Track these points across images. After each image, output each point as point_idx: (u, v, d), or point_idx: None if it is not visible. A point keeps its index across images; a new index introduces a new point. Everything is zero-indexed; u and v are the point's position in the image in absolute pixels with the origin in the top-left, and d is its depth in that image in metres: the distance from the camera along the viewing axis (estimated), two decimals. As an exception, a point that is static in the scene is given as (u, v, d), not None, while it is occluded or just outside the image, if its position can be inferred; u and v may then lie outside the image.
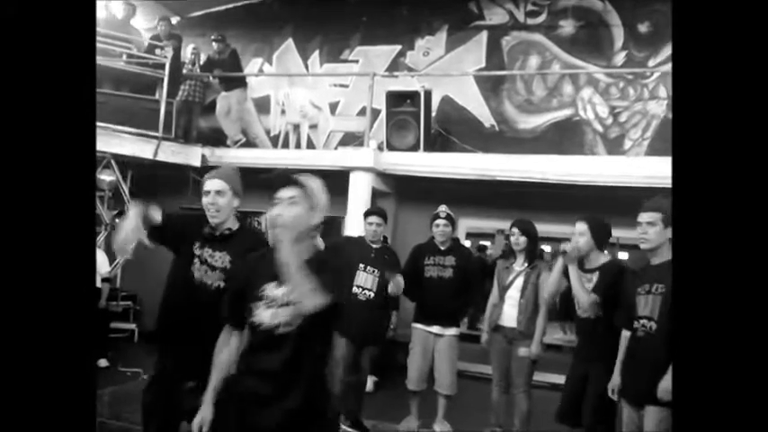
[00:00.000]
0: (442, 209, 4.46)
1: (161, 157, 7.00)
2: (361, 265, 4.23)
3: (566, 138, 7.02)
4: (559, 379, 4.62)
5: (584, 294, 3.34)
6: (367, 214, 4.46)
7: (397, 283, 4.16)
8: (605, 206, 4.01)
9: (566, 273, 3.50)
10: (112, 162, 6.88)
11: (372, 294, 4.22)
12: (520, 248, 4.20)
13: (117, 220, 6.99)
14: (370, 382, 5.83)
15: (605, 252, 3.62)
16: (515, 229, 4.21)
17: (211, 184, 2.73)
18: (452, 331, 4.41)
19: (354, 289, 4.16)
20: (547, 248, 6.79)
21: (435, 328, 4.40)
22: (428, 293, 4.39)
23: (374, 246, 4.35)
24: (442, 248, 4.43)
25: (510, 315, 4.15)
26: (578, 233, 3.46)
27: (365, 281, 4.23)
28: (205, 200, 2.71)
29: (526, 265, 4.19)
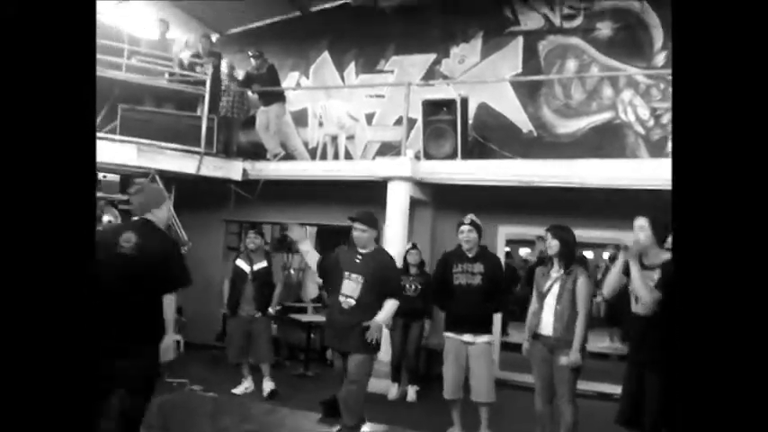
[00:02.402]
0: (468, 216, 4.48)
1: (204, 172, 7.16)
2: (346, 273, 3.97)
3: (606, 141, 6.90)
4: (607, 388, 4.53)
5: (646, 291, 3.25)
6: (351, 219, 4.07)
7: (385, 311, 3.95)
8: (649, 211, 3.92)
9: (625, 270, 3.44)
10: (157, 178, 7.06)
11: (353, 302, 3.90)
12: (554, 253, 4.14)
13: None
14: (412, 392, 5.83)
15: (666, 248, 3.48)
16: (548, 234, 4.16)
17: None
18: (485, 338, 4.39)
19: (340, 298, 3.93)
20: (590, 255, 6.68)
21: (467, 336, 4.39)
22: (457, 301, 4.40)
23: (362, 251, 4.05)
24: (470, 256, 4.43)
25: (548, 322, 4.08)
26: (638, 227, 3.41)
27: (348, 288, 3.93)
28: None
29: (562, 270, 4.12)
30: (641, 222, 3.41)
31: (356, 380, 3.88)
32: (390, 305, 3.97)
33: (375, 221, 4.10)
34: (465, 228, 4.42)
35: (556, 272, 4.15)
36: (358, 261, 3.98)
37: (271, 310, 5.76)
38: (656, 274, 3.30)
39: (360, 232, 4.01)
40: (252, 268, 5.73)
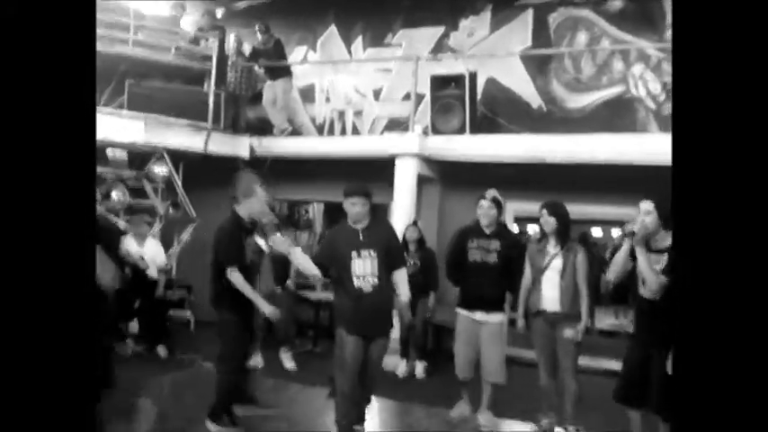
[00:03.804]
0: (490, 191, 4.38)
1: (211, 148, 7.15)
2: (353, 253, 3.66)
3: (617, 116, 6.80)
4: (613, 365, 4.55)
5: (653, 276, 3.24)
6: (347, 194, 3.74)
7: (403, 284, 3.84)
8: (660, 187, 3.88)
9: (631, 254, 3.42)
10: (165, 154, 7.06)
11: (377, 280, 3.66)
12: (550, 229, 4.12)
13: (171, 211, 7.21)
14: (421, 367, 5.88)
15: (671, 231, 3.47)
16: (544, 211, 4.14)
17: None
18: (498, 317, 4.33)
19: (355, 281, 3.64)
20: (598, 231, 6.66)
21: (479, 315, 4.33)
22: (471, 278, 4.33)
23: (359, 226, 3.75)
24: (488, 232, 4.35)
25: (550, 298, 4.09)
26: (644, 212, 3.36)
27: (363, 267, 3.66)
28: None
29: (560, 246, 4.11)
30: (647, 206, 3.36)
31: (381, 362, 3.86)
32: (404, 277, 3.85)
33: (369, 192, 3.78)
34: (485, 203, 4.33)
35: (553, 248, 4.14)
36: (363, 237, 3.70)
37: (290, 282, 5.78)
38: (664, 258, 3.28)
39: (360, 207, 3.70)
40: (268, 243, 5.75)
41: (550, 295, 4.09)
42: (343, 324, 3.74)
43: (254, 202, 3.96)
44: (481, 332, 4.34)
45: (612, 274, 3.59)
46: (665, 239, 3.31)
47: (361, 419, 3.89)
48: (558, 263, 4.10)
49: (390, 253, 3.76)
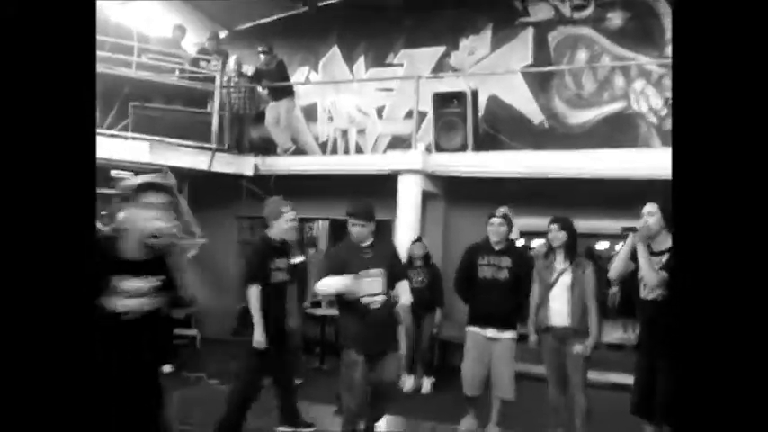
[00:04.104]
0: (501, 209, 4.38)
1: (216, 168, 7.20)
2: (362, 272, 3.63)
3: (618, 131, 6.86)
4: (621, 378, 4.53)
5: (652, 273, 3.26)
6: (349, 215, 3.74)
7: (404, 291, 3.81)
8: (663, 200, 3.90)
9: (633, 256, 3.44)
10: (170, 173, 7.08)
11: (383, 297, 3.68)
12: (559, 244, 4.13)
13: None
14: (428, 383, 5.86)
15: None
16: (554, 226, 4.15)
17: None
18: (509, 335, 4.30)
19: (363, 299, 3.60)
20: (604, 245, 6.66)
21: (490, 332, 4.30)
22: (482, 295, 4.31)
23: (364, 245, 3.73)
24: (497, 249, 4.34)
25: (560, 314, 4.08)
26: (648, 213, 3.41)
27: (371, 287, 3.64)
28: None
29: (568, 262, 4.11)
30: (651, 208, 3.41)
31: (394, 378, 3.85)
32: (406, 287, 3.85)
33: (372, 214, 3.77)
34: (495, 221, 4.33)
35: (561, 263, 4.15)
36: (369, 256, 3.69)
37: (307, 303, 5.78)
38: (664, 258, 3.31)
39: (360, 227, 3.68)
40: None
41: (559, 311, 4.08)
42: (350, 343, 3.71)
43: (282, 224, 4.19)
44: (493, 349, 4.31)
45: (614, 271, 3.60)
46: (666, 242, 3.35)
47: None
48: (566, 278, 4.10)
49: (393, 271, 3.77)
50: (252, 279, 4.03)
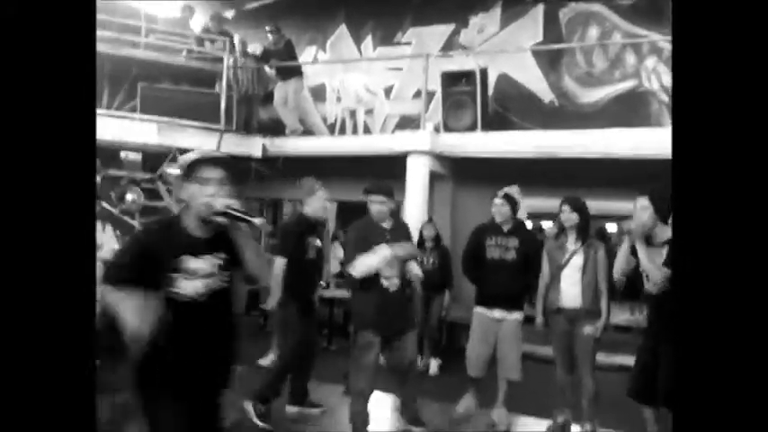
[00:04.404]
0: (505, 189, 4.34)
1: (224, 149, 7.19)
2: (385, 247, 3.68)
3: (630, 110, 6.76)
4: (628, 360, 4.52)
5: (655, 270, 3.23)
6: (368, 192, 3.82)
7: (413, 271, 3.90)
8: (657, 190, 3.84)
9: (633, 251, 3.40)
10: (178, 156, 7.10)
11: (398, 281, 3.76)
12: (571, 225, 4.09)
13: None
14: (435, 365, 5.88)
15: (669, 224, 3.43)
16: (566, 206, 4.10)
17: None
18: (516, 315, 4.28)
19: (383, 281, 3.69)
20: (612, 227, 6.60)
21: (497, 312, 4.28)
22: (489, 275, 4.28)
23: (385, 225, 3.80)
24: (505, 229, 4.31)
25: (571, 295, 4.05)
26: (640, 208, 3.35)
27: (391, 268, 3.70)
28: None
29: (580, 243, 4.08)
30: (643, 202, 3.35)
31: (414, 358, 3.91)
32: (415, 266, 3.97)
33: (392, 191, 3.86)
34: (497, 201, 4.29)
35: (573, 244, 4.11)
36: (390, 237, 3.74)
37: (323, 283, 5.84)
38: (665, 250, 3.26)
39: (379, 205, 3.76)
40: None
41: (570, 292, 4.05)
42: (366, 324, 3.74)
43: (315, 201, 4.34)
44: (500, 330, 4.29)
45: (617, 271, 3.59)
46: (665, 233, 3.30)
47: (417, 421, 3.98)
48: (578, 259, 4.06)
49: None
50: (283, 252, 4.13)
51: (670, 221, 3.36)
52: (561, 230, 4.20)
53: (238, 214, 2.11)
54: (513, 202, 4.31)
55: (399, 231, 3.86)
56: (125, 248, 2.34)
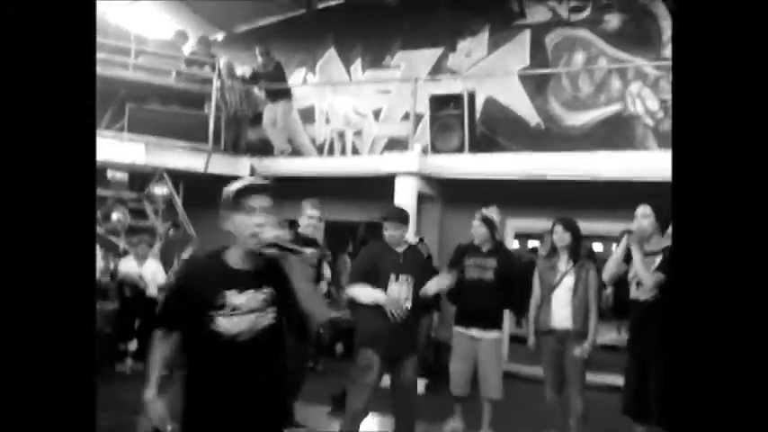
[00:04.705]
0: (483, 210, 4.39)
1: (212, 170, 7.19)
2: (393, 276, 3.66)
3: (615, 133, 6.86)
4: (614, 379, 4.52)
5: (647, 274, 3.28)
6: (384, 219, 3.85)
7: (438, 283, 3.79)
8: (659, 202, 3.90)
9: (625, 258, 3.47)
10: (165, 176, 7.09)
11: (409, 304, 3.69)
12: (563, 246, 4.11)
13: (171, 232, 7.22)
14: (421, 384, 5.82)
15: (666, 236, 3.51)
16: (558, 227, 4.12)
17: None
18: (494, 334, 4.31)
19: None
20: (599, 247, 6.65)
21: (475, 331, 4.30)
22: (468, 295, 4.30)
23: (399, 250, 3.78)
24: (484, 250, 4.35)
25: (561, 316, 4.05)
26: (641, 215, 3.45)
27: (399, 291, 3.66)
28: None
29: (572, 263, 4.09)
30: (645, 210, 3.46)
31: (416, 380, 3.80)
32: (435, 280, 3.80)
33: (407, 218, 3.88)
34: (475, 222, 4.36)
35: (564, 264, 4.12)
36: (403, 261, 3.71)
37: None
38: (658, 259, 3.33)
39: (393, 231, 3.74)
40: None
41: (561, 313, 4.05)
42: (366, 343, 3.67)
43: (303, 220, 4.52)
44: (478, 349, 4.31)
45: (607, 275, 3.64)
46: (659, 243, 3.39)
47: None
48: (569, 280, 4.06)
49: (424, 279, 3.73)
50: None
51: (667, 234, 3.46)
52: (553, 251, 4.22)
53: (288, 246, 1.96)
54: (490, 224, 4.34)
55: (413, 256, 3.81)
56: (169, 292, 2.21)
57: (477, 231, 4.34)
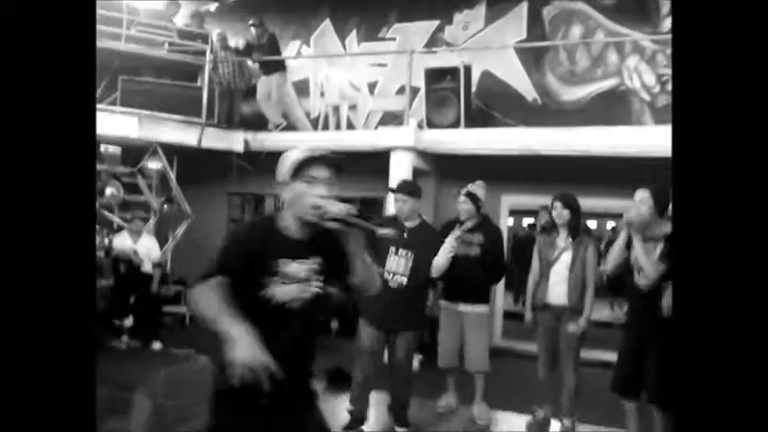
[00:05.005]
0: (468, 186, 4.37)
1: (205, 144, 7.13)
2: (392, 248, 3.79)
3: (611, 108, 6.80)
4: (608, 356, 4.57)
5: (650, 264, 3.26)
6: (391, 191, 4.02)
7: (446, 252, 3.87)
8: (655, 178, 3.88)
9: (626, 244, 3.45)
10: (159, 150, 7.03)
11: (405, 280, 3.79)
12: (562, 222, 4.11)
13: (165, 207, 7.21)
14: (415, 360, 5.87)
15: (667, 218, 3.46)
16: (558, 203, 4.11)
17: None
18: (480, 309, 4.37)
19: (385, 275, 3.74)
20: (593, 224, 6.67)
21: (461, 306, 4.36)
22: (453, 270, 4.21)
23: (408, 224, 3.89)
24: (470, 225, 4.34)
25: (558, 292, 4.07)
26: (639, 201, 3.40)
27: (396, 265, 3.79)
28: None
29: (570, 239, 4.10)
30: (643, 195, 3.39)
31: (408, 356, 3.93)
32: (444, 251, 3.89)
33: (417, 190, 3.92)
34: (460, 198, 4.36)
35: (563, 241, 4.12)
36: (407, 236, 3.81)
37: None
38: (660, 246, 3.29)
39: (401, 203, 3.85)
40: None
41: (558, 289, 4.08)
42: (363, 314, 3.91)
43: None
44: (464, 322, 4.36)
45: (610, 265, 3.61)
46: (660, 228, 3.33)
47: (404, 422, 4.00)
48: (567, 256, 4.07)
49: (429, 257, 3.84)
50: None
51: (666, 216, 3.41)
52: (552, 227, 4.22)
53: (357, 221, 1.91)
54: (475, 200, 4.32)
55: (420, 233, 3.88)
56: (232, 244, 2.02)
57: (464, 207, 4.34)
